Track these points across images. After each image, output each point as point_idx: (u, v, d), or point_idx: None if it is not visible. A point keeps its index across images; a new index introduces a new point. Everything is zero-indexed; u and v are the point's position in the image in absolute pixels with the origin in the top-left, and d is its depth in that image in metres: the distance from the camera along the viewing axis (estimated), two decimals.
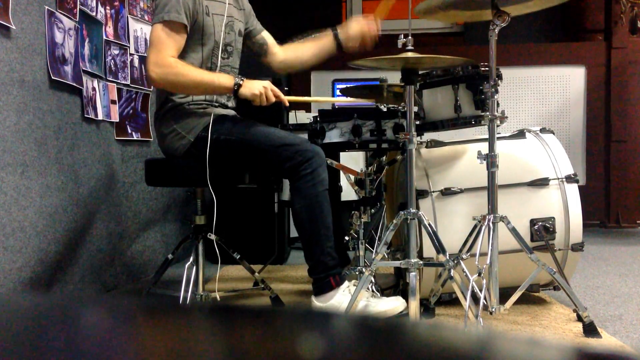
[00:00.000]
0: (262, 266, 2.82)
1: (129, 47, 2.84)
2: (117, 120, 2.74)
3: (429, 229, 1.91)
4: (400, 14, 5.33)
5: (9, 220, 1.91)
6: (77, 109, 2.38)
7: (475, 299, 1.80)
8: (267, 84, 2.06)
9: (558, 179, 2.23)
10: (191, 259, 2.12)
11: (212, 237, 2.18)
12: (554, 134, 2.40)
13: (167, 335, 0.34)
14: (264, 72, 2.70)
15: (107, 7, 2.64)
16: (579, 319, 1.99)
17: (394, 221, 1.91)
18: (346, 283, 2.01)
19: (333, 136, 2.19)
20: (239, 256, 2.27)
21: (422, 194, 2.17)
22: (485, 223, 1.88)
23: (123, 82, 2.79)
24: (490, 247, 1.86)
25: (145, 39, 2.96)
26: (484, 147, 1.92)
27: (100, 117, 2.54)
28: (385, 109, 2.20)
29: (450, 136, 2.38)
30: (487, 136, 1.91)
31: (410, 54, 1.87)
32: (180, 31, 2.02)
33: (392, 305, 2.00)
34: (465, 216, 2.12)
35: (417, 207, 2.00)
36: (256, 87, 2.02)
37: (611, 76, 4.84)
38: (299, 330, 0.35)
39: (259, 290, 2.39)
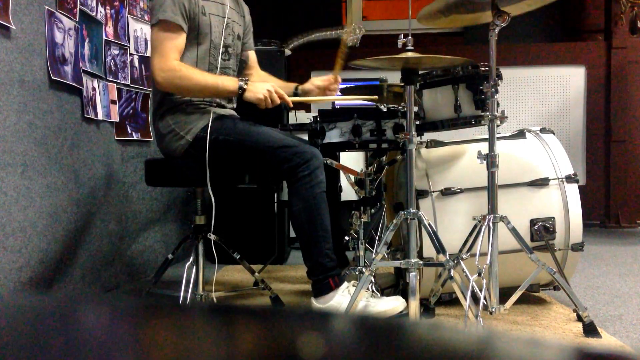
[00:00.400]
0: (262, 266, 2.82)
1: (129, 47, 2.84)
2: (117, 120, 2.74)
3: (429, 229, 1.91)
4: (400, 14, 5.34)
5: (9, 220, 1.91)
6: (77, 109, 2.38)
7: (475, 299, 1.80)
8: (270, 86, 2.06)
9: (558, 179, 2.23)
10: (191, 259, 2.12)
11: (212, 237, 2.18)
12: (554, 134, 2.40)
13: (167, 336, 0.34)
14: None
15: (107, 7, 2.64)
16: (579, 319, 1.99)
17: (394, 221, 1.91)
18: (345, 284, 2.01)
19: (333, 136, 2.19)
20: (239, 256, 2.27)
21: (422, 194, 2.17)
22: (485, 223, 1.88)
23: (123, 82, 2.79)
24: (490, 247, 1.86)
25: (146, 39, 2.96)
26: (484, 147, 1.92)
27: (100, 117, 2.54)
28: (385, 109, 2.20)
29: (450, 136, 2.38)
30: (487, 136, 1.91)
31: (410, 54, 1.87)
32: (177, 31, 2.03)
33: (392, 305, 2.00)
34: (465, 216, 2.12)
35: (417, 207, 2.00)
36: (260, 91, 2.02)
37: (611, 76, 4.84)
38: (299, 331, 0.35)
39: (259, 290, 2.39)
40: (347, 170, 2.33)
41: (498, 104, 1.92)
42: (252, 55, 2.42)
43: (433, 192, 2.19)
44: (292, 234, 3.55)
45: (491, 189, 1.89)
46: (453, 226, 2.17)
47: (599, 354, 0.31)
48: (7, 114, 1.91)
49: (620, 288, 2.63)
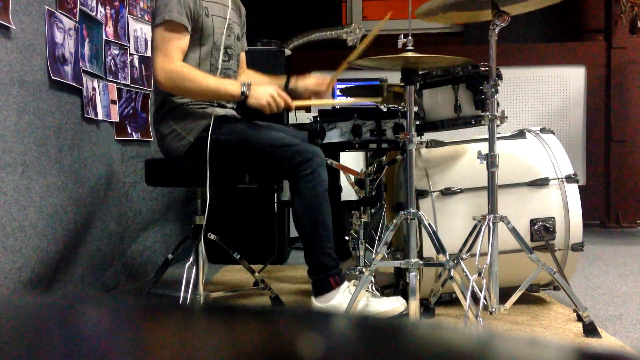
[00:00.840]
0: (262, 266, 2.83)
1: (129, 47, 2.84)
2: (117, 120, 2.74)
3: (429, 229, 1.91)
4: (400, 14, 5.34)
5: (9, 220, 1.91)
6: (77, 109, 2.38)
7: (475, 299, 1.80)
8: (273, 90, 2.06)
9: (558, 179, 2.23)
10: (191, 259, 2.12)
11: (212, 237, 2.18)
12: (554, 134, 2.40)
13: (167, 336, 0.34)
14: (265, 74, 2.70)
15: (107, 7, 2.64)
16: (579, 319, 1.99)
17: (394, 221, 1.91)
18: (346, 283, 2.01)
19: (333, 136, 2.19)
20: (239, 256, 2.27)
21: (422, 194, 2.17)
22: (485, 223, 1.88)
23: (123, 82, 2.79)
24: (490, 247, 1.86)
25: (146, 39, 2.96)
26: (484, 147, 1.92)
27: (100, 117, 2.54)
28: (385, 109, 2.20)
29: (450, 136, 2.38)
30: (487, 136, 1.91)
31: (410, 54, 1.87)
32: (182, 32, 2.03)
33: (392, 305, 2.00)
34: (465, 216, 2.12)
35: (417, 207, 2.00)
36: (263, 97, 2.02)
37: (611, 76, 4.84)
38: (299, 331, 0.35)
39: (259, 290, 2.39)
40: (347, 170, 2.34)
41: (498, 104, 1.92)
42: (242, 56, 2.42)
43: (433, 192, 2.19)
44: (292, 234, 3.55)
45: (491, 189, 1.89)
46: (453, 226, 2.17)
47: (599, 354, 0.31)
48: (7, 114, 1.91)
49: (620, 288, 2.63)
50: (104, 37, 2.61)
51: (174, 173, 2.17)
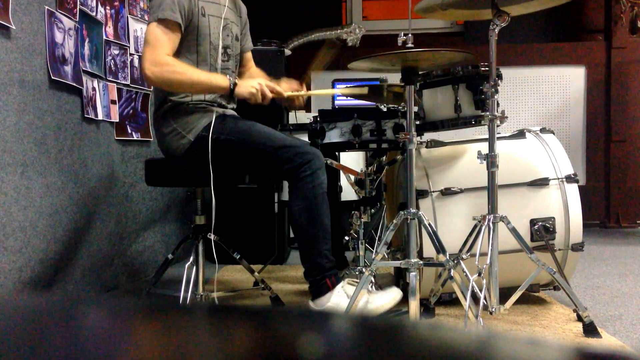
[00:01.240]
0: (262, 266, 2.82)
1: (129, 47, 2.84)
2: (117, 120, 2.74)
3: (429, 229, 1.91)
4: (400, 13, 5.34)
5: (9, 220, 1.91)
6: (77, 109, 2.38)
7: (475, 299, 1.80)
8: (261, 80, 2.07)
9: (558, 179, 2.23)
10: (191, 259, 2.12)
11: (212, 237, 2.18)
12: (554, 134, 2.40)
13: (167, 336, 0.34)
14: (265, 74, 2.70)
15: (107, 7, 2.64)
16: (579, 319, 1.99)
17: (394, 221, 1.91)
18: (341, 283, 2.00)
19: (333, 136, 2.19)
20: (239, 256, 2.27)
21: (422, 194, 2.17)
22: (485, 223, 1.88)
23: (123, 82, 2.79)
24: (490, 247, 1.86)
25: None
26: (484, 147, 1.92)
27: (100, 117, 2.54)
28: (385, 109, 2.20)
29: (450, 136, 2.38)
30: (487, 136, 1.91)
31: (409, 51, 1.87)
32: (175, 30, 2.02)
33: (390, 296, 1.99)
34: (465, 216, 2.12)
35: (417, 207, 2.00)
36: (251, 85, 2.04)
37: (611, 76, 4.84)
38: (298, 331, 0.35)
39: (259, 290, 2.39)
40: (347, 170, 2.33)
41: (498, 104, 1.92)
42: (248, 55, 2.42)
43: (433, 192, 2.19)
44: (293, 234, 3.55)
45: (491, 189, 1.89)
46: (453, 226, 2.17)
47: (599, 354, 0.31)
48: (7, 114, 1.91)
49: (620, 288, 2.63)
50: (104, 37, 2.61)
51: (174, 173, 2.17)
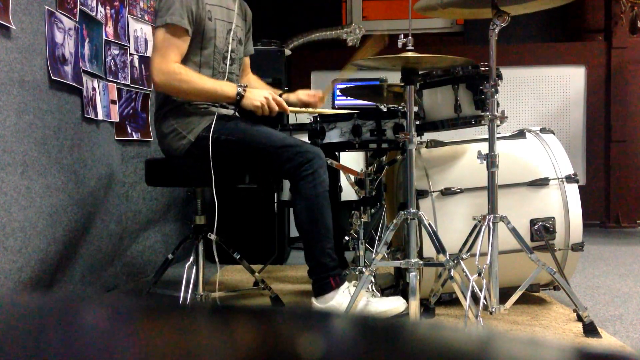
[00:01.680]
0: (262, 266, 2.83)
1: (129, 47, 2.84)
2: (117, 120, 2.74)
3: (429, 229, 1.91)
4: (400, 13, 5.34)
5: (9, 220, 1.91)
6: (77, 109, 2.38)
7: (475, 299, 1.80)
8: (268, 93, 2.07)
9: (558, 179, 2.23)
10: (191, 259, 2.12)
11: (212, 237, 2.18)
12: (554, 134, 2.40)
13: (167, 336, 0.34)
14: (264, 74, 2.71)
15: (107, 7, 2.64)
16: (579, 319, 1.99)
17: (394, 221, 1.91)
18: (346, 284, 2.01)
19: (333, 136, 2.19)
20: (239, 256, 2.27)
21: (422, 194, 2.17)
22: (485, 223, 1.88)
23: (123, 82, 2.79)
24: (490, 247, 1.86)
25: (146, 39, 2.97)
26: (484, 147, 1.92)
27: (100, 117, 2.54)
28: (385, 109, 2.20)
29: (450, 136, 2.38)
30: (487, 136, 1.91)
31: (410, 54, 1.87)
32: (182, 35, 2.03)
33: (392, 305, 2.01)
34: (465, 216, 2.12)
35: (417, 207, 2.00)
36: (257, 98, 2.05)
37: (611, 76, 4.84)
38: (299, 331, 0.35)
39: (259, 290, 2.39)
40: (347, 170, 2.34)
41: (498, 104, 1.92)
42: (246, 60, 2.43)
43: (433, 192, 2.19)
44: (293, 234, 3.55)
45: (491, 189, 1.89)
46: (453, 226, 2.17)
47: (599, 354, 0.31)
48: (7, 114, 1.91)
49: (620, 288, 2.63)
50: (104, 37, 2.61)
51: (174, 173, 2.17)
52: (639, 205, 4.83)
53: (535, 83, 4.88)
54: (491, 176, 1.89)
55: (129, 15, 2.83)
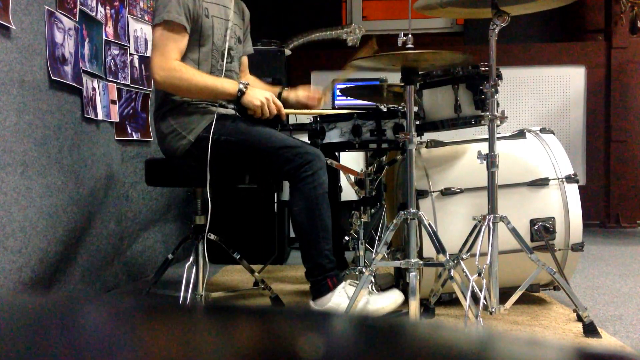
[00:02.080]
0: (262, 266, 2.82)
1: (129, 47, 2.84)
2: (117, 120, 2.74)
3: (429, 229, 1.91)
4: (400, 13, 5.34)
5: (9, 220, 1.91)
6: (77, 109, 2.38)
7: (475, 299, 1.80)
8: (269, 95, 2.06)
9: (558, 179, 2.23)
10: (191, 259, 2.12)
11: (212, 237, 2.18)
12: (554, 134, 2.40)
13: (167, 336, 0.34)
14: (264, 74, 2.71)
15: (107, 7, 2.64)
16: (579, 319, 1.99)
17: (394, 221, 1.91)
18: (342, 283, 2.00)
19: (333, 136, 2.19)
20: (238, 256, 2.27)
21: (422, 194, 2.17)
22: (485, 223, 1.88)
23: (123, 82, 2.79)
24: (490, 247, 1.86)
25: (146, 39, 2.96)
26: (484, 147, 1.92)
27: (100, 117, 2.54)
28: (385, 109, 2.20)
29: (450, 136, 2.38)
30: (487, 136, 1.91)
31: (410, 52, 1.87)
32: (180, 32, 2.03)
33: (391, 299, 2.00)
34: (465, 216, 2.12)
35: (417, 207, 2.00)
36: (257, 98, 2.03)
37: (611, 76, 4.84)
38: (298, 331, 0.35)
39: (259, 290, 2.39)
40: (347, 170, 2.33)
41: (498, 104, 1.92)
42: (244, 60, 2.42)
43: (433, 192, 2.19)
44: (292, 234, 3.55)
45: (491, 189, 1.89)
46: (453, 226, 2.17)
47: (599, 354, 0.31)
48: (7, 114, 1.91)
49: (620, 288, 2.63)
50: (104, 37, 2.61)
51: (174, 173, 2.17)
52: (639, 205, 4.83)
53: (535, 83, 4.88)
54: (491, 176, 1.89)
55: (129, 15, 2.83)
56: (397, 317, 1.96)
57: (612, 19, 4.78)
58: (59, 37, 2.22)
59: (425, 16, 2.32)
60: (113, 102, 2.70)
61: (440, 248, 1.88)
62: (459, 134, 2.61)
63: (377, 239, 2.52)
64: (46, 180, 2.12)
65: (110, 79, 2.66)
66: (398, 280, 2.46)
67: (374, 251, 2.11)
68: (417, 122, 2.10)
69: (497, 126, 1.90)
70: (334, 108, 4.07)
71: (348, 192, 2.51)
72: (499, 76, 1.95)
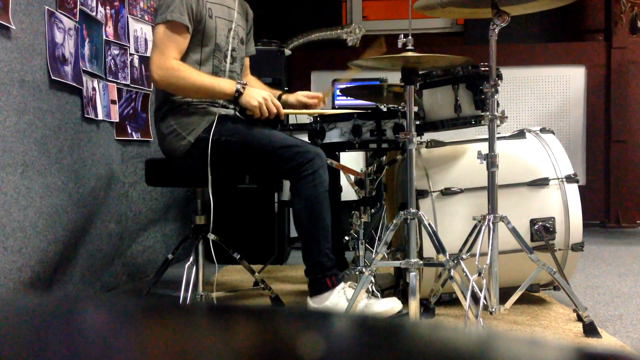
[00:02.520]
0: (262, 266, 2.82)
1: (129, 47, 2.84)
2: (117, 120, 2.74)
3: (429, 229, 1.91)
4: (400, 13, 5.34)
5: (9, 220, 1.91)
6: (77, 109, 2.38)
7: (475, 299, 1.80)
8: (267, 95, 2.06)
9: (558, 179, 2.23)
10: (191, 259, 2.12)
11: (212, 237, 2.18)
12: (554, 134, 2.40)
13: (167, 336, 0.34)
14: (264, 74, 2.71)
15: (107, 7, 2.64)
16: (579, 319, 1.99)
17: (394, 221, 1.91)
18: (342, 284, 2.01)
19: (333, 136, 2.19)
20: (239, 256, 2.27)
21: (422, 194, 2.17)
22: (485, 223, 1.88)
23: (123, 82, 2.79)
24: (490, 247, 1.86)
25: (146, 39, 2.96)
26: (484, 147, 1.92)
27: (100, 117, 2.54)
28: (385, 109, 2.20)
29: (450, 136, 2.38)
30: (487, 136, 1.91)
31: (410, 54, 1.87)
32: (182, 32, 2.03)
33: (389, 305, 2.00)
34: (465, 216, 2.12)
35: (417, 207, 2.00)
36: (255, 98, 2.03)
37: (611, 76, 4.84)
38: (298, 330, 0.35)
39: (259, 290, 2.39)
40: (347, 170, 2.33)
41: (498, 104, 1.92)
42: (246, 61, 2.42)
43: (433, 192, 2.19)
44: (292, 234, 3.55)
45: (491, 189, 1.89)
46: (453, 226, 2.17)
47: (599, 354, 0.31)
48: (7, 114, 1.91)
49: (620, 288, 2.63)
50: (104, 37, 2.61)
51: (174, 173, 2.17)
52: (639, 205, 4.83)
53: (535, 83, 4.87)
54: (491, 176, 1.89)
55: (129, 15, 2.83)
56: (397, 317, 1.96)
57: (612, 19, 4.78)
58: (59, 37, 2.22)
59: (425, 16, 2.32)
60: (113, 102, 2.70)
61: (440, 248, 1.88)
62: (459, 134, 2.60)
63: (377, 239, 2.52)
64: (46, 180, 2.12)
65: (110, 79, 2.66)
66: (398, 280, 2.46)
67: (374, 251, 2.11)
68: (417, 122, 2.10)
69: (497, 126, 1.90)
70: (334, 108, 4.06)
71: (348, 192, 2.51)
72: (499, 76, 1.95)
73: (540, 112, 4.87)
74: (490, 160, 1.88)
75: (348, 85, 2.56)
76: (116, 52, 2.72)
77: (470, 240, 2.00)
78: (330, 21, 5.04)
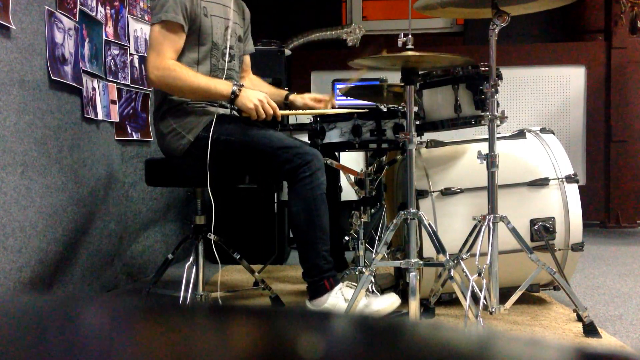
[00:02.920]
0: (262, 266, 2.82)
1: (129, 47, 2.84)
2: (117, 120, 2.74)
3: (429, 229, 1.91)
4: (400, 13, 5.34)
5: (9, 220, 1.91)
6: (77, 109, 2.38)
7: (475, 299, 1.80)
8: (263, 96, 2.04)
9: (558, 179, 2.23)
10: (191, 259, 2.12)
11: (212, 237, 2.18)
12: (554, 134, 2.40)
13: (167, 336, 0.34)
14: (264, 74, 2.70)
15: (107, 7, 2.64)
16: (579, 319, 1.99)
17: (394, 221, 1.91)
18: (340, 284, 2.00)
19: (333, 136, 2.19)
20: (239, 256, 2.27)
21: (422, 194, 2.17)
22: (485, 223, 1.88)
23: (123, 82, 2.79)
24: (490, 247, 1.86)
25: (145, 39, 2.96)
26: (484, 147, 1.92)
27: (100, 117, 2.54)
28: (385, 109, 2.20)
29: (450, 136, 2.38)
30: (487, 136, 1.91)
31: (410, 53, 1.87)
32: (178, 32, 2.03)
33: (388, 302, 2.00)
34: (465, 216, 2.12)
35: (417, 207, 2.00)
36: (251, 100, 2.00)
37: (611, 76, 4.84)
38: (298, 330, 0.35)
39: (259, 290, 2.39)
40: (347, 170, 2.33)
41: (498, 104, 1.92)
42: (246, 59, 2.42)
43: (433, 192, 2.19)
44: (292, 234, 3.55)
45: (491, 189, 1.89)
46: (453, 226, 2.17)
47: (599, 354, 0.31)
48: (7, 114, 1.91)
49: (620, 288, 2.63)
50: (104, 37, 2.61)
51: (174, 173, 2.17)
52: (639, 205, 4.83)
53: (535, 83, 4.87)
54: (491, 176, 1.89)
55: (129, 15, 2.83)
56: (397, 317, 1.96)
57: (612, 19, 4.78)
58: (59, 37, 2.22)
59: (425, 16, 2.32)
60: (113, 102, 2.70)
61: (440, 248, 1.88)
62: (459, 134, 2.61)
63: (377, 239, 2.52)
64: (46, 180, 2.12)
65: (110, 79, 2.66)
66: (398, 280, 2.46)
67: (374, 251, 2.11)
68: (417, 122, 2.10)
69: (497, 126, 1.90)
70: (333, 108, 4.06)
71: (348, 192, 2.51)
72: (499, 76, 1.95)
73: (540, 112, 4.87)
74: (490, 160, 1.88)
75: (348, 85, 2.56)
76: (116, 52, 2.72)
77: (470, 240, 2.00)
78: (330, 21, 5.04)
